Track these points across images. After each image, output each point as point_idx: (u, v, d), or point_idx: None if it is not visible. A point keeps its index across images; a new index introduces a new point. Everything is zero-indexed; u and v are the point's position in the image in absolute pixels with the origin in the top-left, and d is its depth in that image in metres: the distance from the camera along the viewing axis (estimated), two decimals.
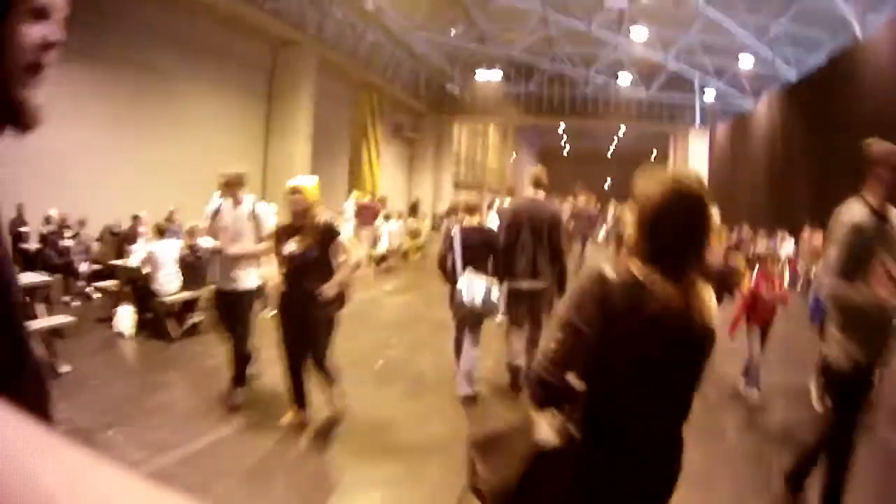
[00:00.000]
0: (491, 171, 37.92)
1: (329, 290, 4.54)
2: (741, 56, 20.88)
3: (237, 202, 5.22)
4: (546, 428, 1.63)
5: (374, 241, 13.86)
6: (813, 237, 12.46)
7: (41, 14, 0.74)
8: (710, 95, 26.48)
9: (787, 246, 15.06)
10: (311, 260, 4.52)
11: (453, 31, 20.82)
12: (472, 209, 5.81)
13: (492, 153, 38.70)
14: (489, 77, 27.16)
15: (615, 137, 41.56)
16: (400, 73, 24.85)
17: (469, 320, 5.46)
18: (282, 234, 4.67)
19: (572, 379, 1.66)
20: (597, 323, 1.65)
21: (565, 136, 44.64)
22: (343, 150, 21.83)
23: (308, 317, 4.56)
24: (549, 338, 1.72)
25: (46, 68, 0.76)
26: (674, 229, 1.70)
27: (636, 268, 1.71)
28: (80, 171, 11.02)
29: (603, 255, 14.92)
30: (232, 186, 5.21)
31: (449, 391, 5.69)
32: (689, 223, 1.71)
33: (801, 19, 17.33)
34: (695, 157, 27.22)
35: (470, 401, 5.47)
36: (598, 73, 26.06)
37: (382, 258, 14.21)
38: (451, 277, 5.53)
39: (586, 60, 25.34)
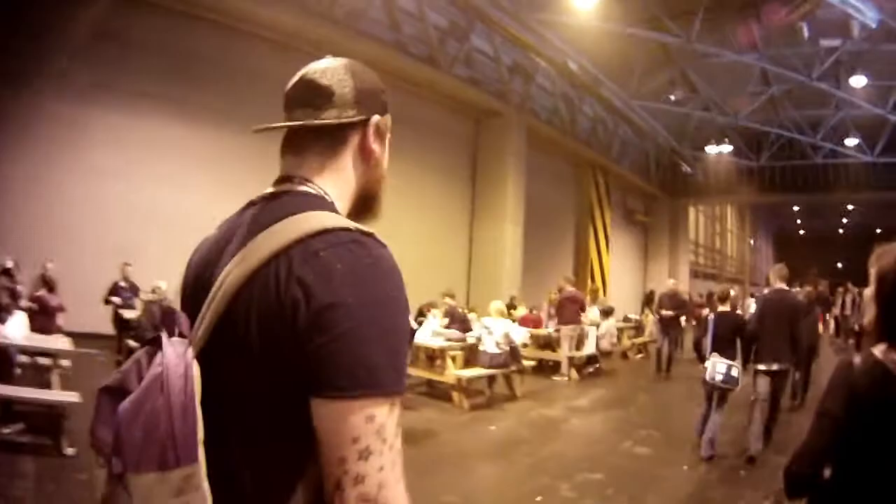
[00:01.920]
0: (729, 258, 33.60)
1: None
2: None
3: None
4: None
5: (579, 342, 11.41)
6: None
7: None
8: None
9: None
10: None
11: (673, 97, 18.24)
12: (723, 297, 7.09)
13: (730, 239, 34.42)
14: (719, 151, 24.23)
15: (845, 213, 37.14)
16: (627, 152, 22.62)
17: (714, 395, 6.33)
18: None
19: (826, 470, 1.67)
20: (843, 409, 1.64)
21: (798, 217, 40.81)
22: (567, 236, 19.96)
23: None
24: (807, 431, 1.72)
25: None
26: None
27: (879, 350, 1.67)
28: None
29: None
30: None
31: None
32: None
33: None
34: None
35: (710, 460, 6.26)
36: (824, 141, 22.93)
37: (588, 362, 11.71)
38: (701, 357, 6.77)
39: (812, 123, 22.30)
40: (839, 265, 36.79)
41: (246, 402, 0.95)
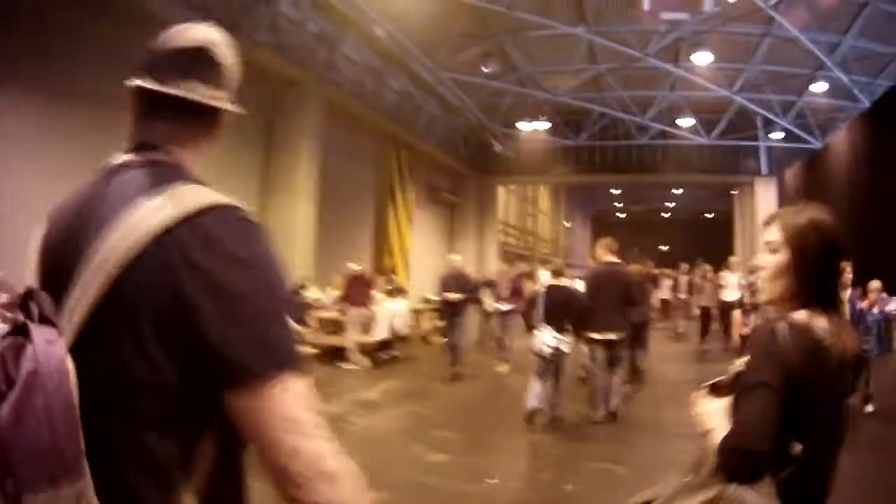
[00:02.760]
0: (541, 241, 34.85)
1: None
2: (814, 85, 18.20)
3: None
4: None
5: (369, 326, 10.59)
6: None
7: None
8: (775, 137, 22.88)
9: None
10: None
11: (486, 69, 17.69)
12: (557, 272, 7.45)
13: (542, 220, 35.49)
14: (535, 129, 23.34)
15: (673, 197, 38.28)
16: (434, 128, 22.09)
17: (545, 365, 6.66)
18: None
19: (784, 445, 1.54)
20: (777, 380, 1.52)
21: (620, 200, 41.67)
22: (367, 215, 19.04)
23: None
24: (739, 409, 1.57)
25: None
26: (831, 266, 1.69)
27: (801, 317, 1.61)
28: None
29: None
30: None
31: None
32: (840, 258, 1.70)
33: (867, 34, 15.07)
34: (763, 210, 22.65)
35: (535, 414, 6.73)
36: (654, 121, 22.40)
37: (381, 347, 10.97)
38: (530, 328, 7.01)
39: (641, 104, 21.93)
40: (665, 248, 38.78)
41: (131, 398, 0.91)
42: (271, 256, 0.98)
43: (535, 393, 6.74)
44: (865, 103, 17.33)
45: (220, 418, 0.94)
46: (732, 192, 26.92)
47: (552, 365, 6.64)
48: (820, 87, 18.36)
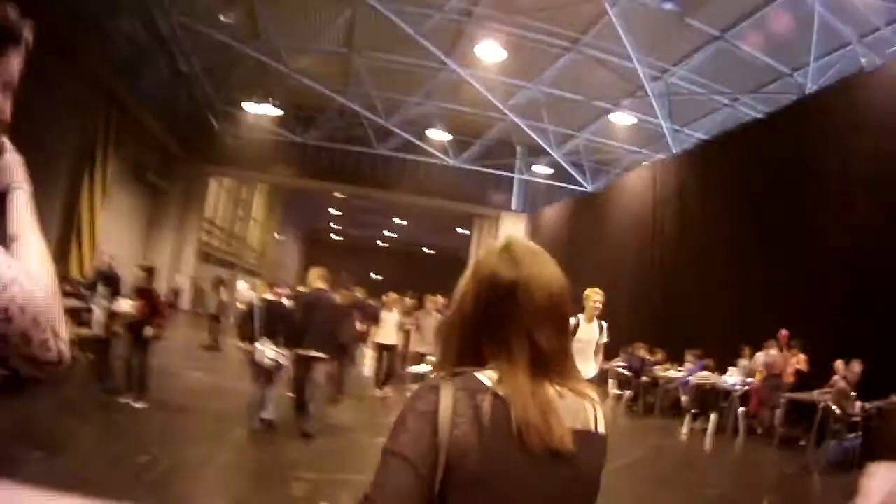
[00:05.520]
0: (249, 249, 31.45)
1: None
2: (614, 115, 17.26)
3: None
4: None
5: None
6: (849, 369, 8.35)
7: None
8: (540, 171, 21.63)
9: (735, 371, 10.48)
10: None
11: (223, 18, 14.45)
12: (272, 286, 8.47)
13: (253, 227, 32.11)
14: (263, 113, 20.06)
15: (395, 226, 37.04)
16: (156, 92, 17.79)
17: (263, 375, 6.93)
18: None
19: None
20: (428, 452, 1.10)
21: (339, 221, 39.51)
22: (60, 184, 14.16)
23: None
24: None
25: None
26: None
27: (488, 378, 1.17)
28: None
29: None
30: None
31: None
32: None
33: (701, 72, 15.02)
34: None
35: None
36: (399, 129, 19.95)
37: None
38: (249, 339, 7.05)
39: (390, 107, 19.31)
40: (377, 277, 35.80)
41: None
42: None
43: (257, 403, 7.01)
44: (671, 150, 16.20)
45: None
46: (462, 229, 25.75)
47: (271, 375, 6.98)
48: (621, 118, 17.09)
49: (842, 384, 8.12)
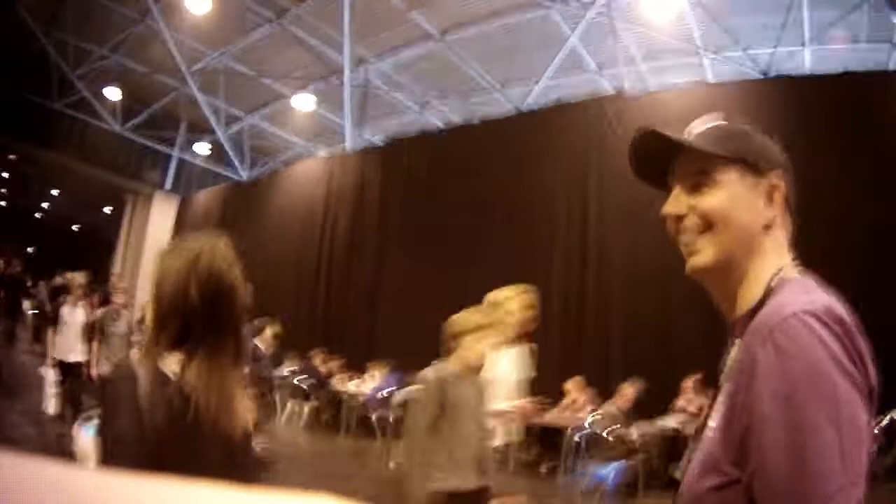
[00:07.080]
0: None
1: None
2: (294, 100, 15.35)
3: None
4: None
5: None
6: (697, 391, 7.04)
7: None
8: (201, 150, 18.87)
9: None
10: None
11: None
12: None
13: None
14: None
15: (49, 197, 30.91)
16: None
17: None
18: None
19: None
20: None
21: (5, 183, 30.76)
22: None
23: None
24: None
25: None
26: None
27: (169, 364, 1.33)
28: None
29: None
30: None
31: None
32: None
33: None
34: (155, 234, 18.30)
35: None
36: (81, 81, 16.03)
37: None
38: None
39: (80, 57, 15.50)
40: (30, 251, 29.40)
41: None
42: None
43: None
44: (346, 146, 14.39)
45: None
46: (111, 207, 21.95)
47: None
48: (301, 104, 15.20)
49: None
